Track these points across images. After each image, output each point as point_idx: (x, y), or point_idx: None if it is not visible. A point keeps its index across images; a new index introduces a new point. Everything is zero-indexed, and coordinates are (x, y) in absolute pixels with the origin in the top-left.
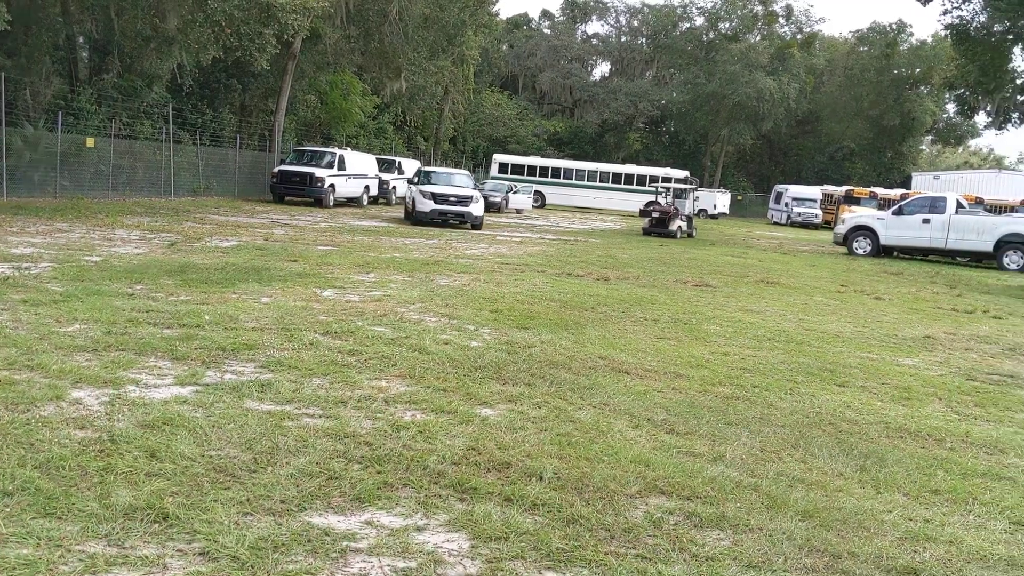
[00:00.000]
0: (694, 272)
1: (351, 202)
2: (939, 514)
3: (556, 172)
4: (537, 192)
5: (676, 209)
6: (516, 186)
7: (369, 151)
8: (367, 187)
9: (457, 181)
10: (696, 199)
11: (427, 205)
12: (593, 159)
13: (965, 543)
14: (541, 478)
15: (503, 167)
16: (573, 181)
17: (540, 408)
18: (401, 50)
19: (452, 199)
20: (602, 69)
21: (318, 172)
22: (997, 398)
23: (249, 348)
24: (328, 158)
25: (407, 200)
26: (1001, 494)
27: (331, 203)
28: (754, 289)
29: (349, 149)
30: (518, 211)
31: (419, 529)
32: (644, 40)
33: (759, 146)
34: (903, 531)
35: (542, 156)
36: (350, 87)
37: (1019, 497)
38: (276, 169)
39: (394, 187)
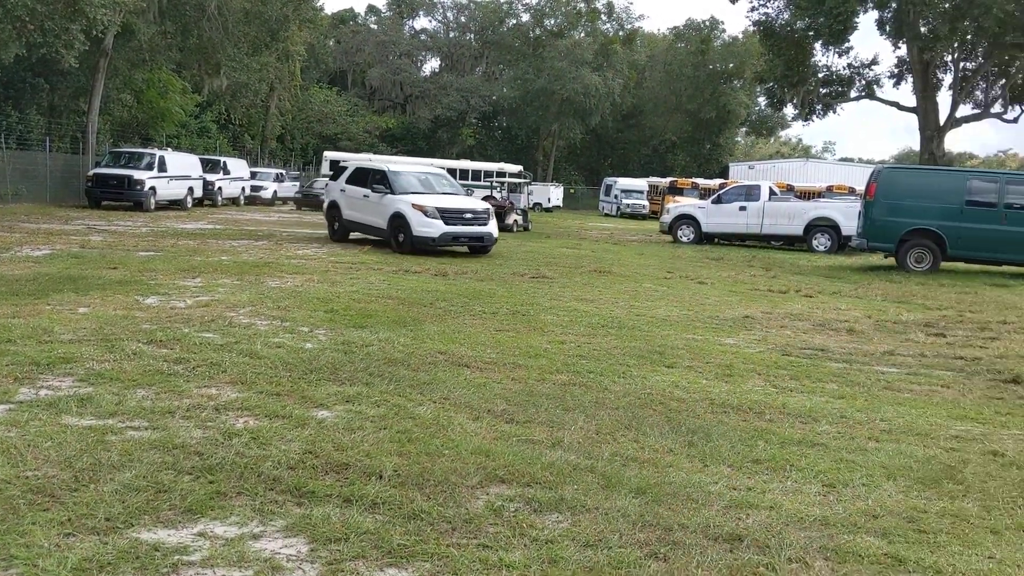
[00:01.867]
0: (531, 264)
1: (174, 205)
2: (760, 482)
3: None
4: None
5: (511, 203)
6: None
7: (192, 151)
8: (191, 189)
9: (444, 187)
10: (530, 193)
11: (433, 227)
12: (427, 155)
13: (784, 507)
14: (381, 476)
15: (334, 164)
16: None
17: (379, 407)
18: (221, 46)
19: (468, 216)
20: (432, 65)
21: (137, 175)
22: (810, 371)
23: (66, 361)
24: (147, 159)
25: (341, 211)
26: (815, 460)
27: (152, 207)
28: (588, 279)
29: (170, 150)
30: None
31: (255, 536)
32: (472, 36)
33: (588, 140)
34: (728, 500)
35: (375, 153)
36: (168, 85)
37: (831, 461)
38: (91, 172)
39: (219, 188)
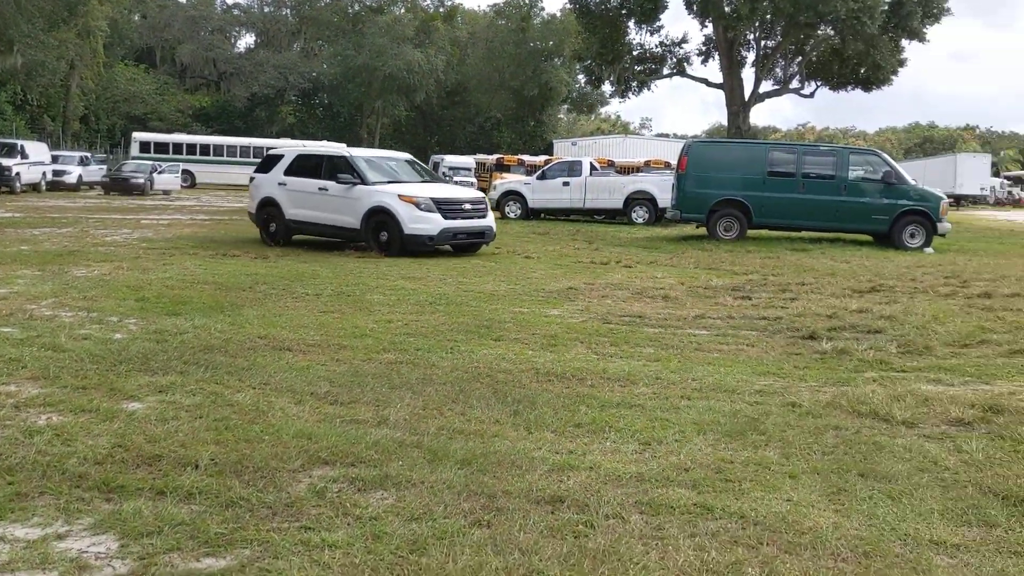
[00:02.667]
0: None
1: None
2: (581, 445)
3: (205, 149)
4: (186, 171)
5: None
6: (161, 166)
7: None
8: None
9: (420, 173)
10: None
11: (430, 223)
12: (245, 134)
13: (603, 467)
14: (196, 466)
15: (145, 146)
16: (225, 158)
17: (194, 395)
18: (13, 21)
19: (467, 208)
20: (247, 41)
21: None
22: (628, 336)
23: None
24: None
25: (283, 209)
26: (632, 420)
27: None
28: (417, 256)
29: None
30: (165, 192)
31: (60, 537)
32: (289, 11)
33: (413, 117)
34: (551, 464)
35: (189, 133)
36: None
37: (647, 421)
38: None
39: (17, 173)
